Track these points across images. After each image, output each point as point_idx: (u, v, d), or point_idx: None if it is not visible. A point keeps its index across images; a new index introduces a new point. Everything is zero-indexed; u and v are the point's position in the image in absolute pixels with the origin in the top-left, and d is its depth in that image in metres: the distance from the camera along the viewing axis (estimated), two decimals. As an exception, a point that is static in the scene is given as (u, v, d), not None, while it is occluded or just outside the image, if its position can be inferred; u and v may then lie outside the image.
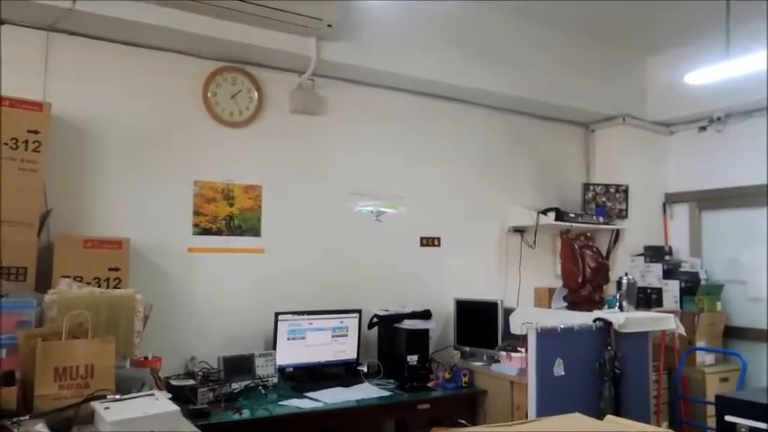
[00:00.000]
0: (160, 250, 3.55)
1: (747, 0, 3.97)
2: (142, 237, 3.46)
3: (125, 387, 2.25)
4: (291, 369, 3.69)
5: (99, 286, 2.97)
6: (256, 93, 3.92)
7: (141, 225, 3.50)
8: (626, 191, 5.14)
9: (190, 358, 3.51)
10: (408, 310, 3.98)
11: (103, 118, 3.47)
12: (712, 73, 4.04)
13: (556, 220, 4.68)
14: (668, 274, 4.88)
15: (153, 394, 2.17)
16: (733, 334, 4.83)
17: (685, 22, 4.50)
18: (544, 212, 4.74)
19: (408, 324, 3.85)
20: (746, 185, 4.83)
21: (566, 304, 3.78)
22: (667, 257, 5.09)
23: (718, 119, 5.01)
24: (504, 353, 3.81)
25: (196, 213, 3.70)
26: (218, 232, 3.76)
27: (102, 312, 2.53)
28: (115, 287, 3.03)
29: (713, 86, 4.34)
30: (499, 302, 4.08)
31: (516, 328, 3.58)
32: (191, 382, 3.21)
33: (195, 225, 3.69)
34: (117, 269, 3.08)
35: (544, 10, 4.27)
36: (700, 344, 4.57)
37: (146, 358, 2.61)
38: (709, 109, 4.96)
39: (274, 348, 3.63)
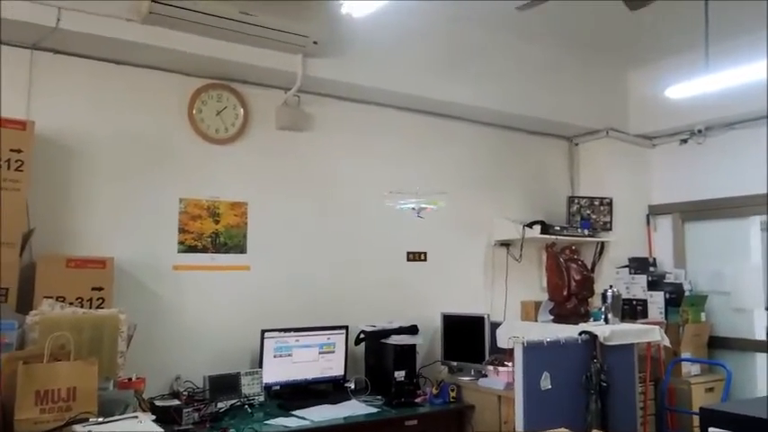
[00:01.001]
0: (145, 269, 3.53)
1: (726, 16, 4.05)
2: (127, 255, 3.44)
3: (108, 409, 2.23)
4: (278, 387, 3.67)
5: (82, 306, 2.94)
6: (242, 109, 3.93)
7: (126, 243, 3.48)
8: (610, 203, 5.19)
9: (175, 378, 3.48)
10: (395, 325, 3.98)
11: (88, 136, 3.46)
12: (692, 87, 4.11)
13: (541, 233, 4.71)
14: (653, 285, 4.92)
15: (136, 416, 2.16)
16: (718, 344, 4.87)
17: (666, 36, 4.57)
18: (530, 226, 4.77)
19: (395, 339, 3.85)
20: (728, 197, 4.90)
21: (552, 317, 3.80)
22: (652, 269, 5.13)
23: (699, 131, 5.09)
24: (491, 367, 3.82)
25: (181, 231, 3.68)
26: (204, 249, 3.74)
27: (86, 333, 2.51)
28: (98, 307, 3.00)
29: (693, 100, 4.40)
30: (486, 316, 4.09)
31: (503, 341, 3.59)
32: (175, 402, 3.18)
33: (180, 242, 3.67)
34: (100, 288, 3.06)
35: (528, 25, 4.31)
36: (685, 355, 4.60)
37: (129, 379, 2.59)
38: (689, 122, 5.04)
39: (260, 366, 3.60)
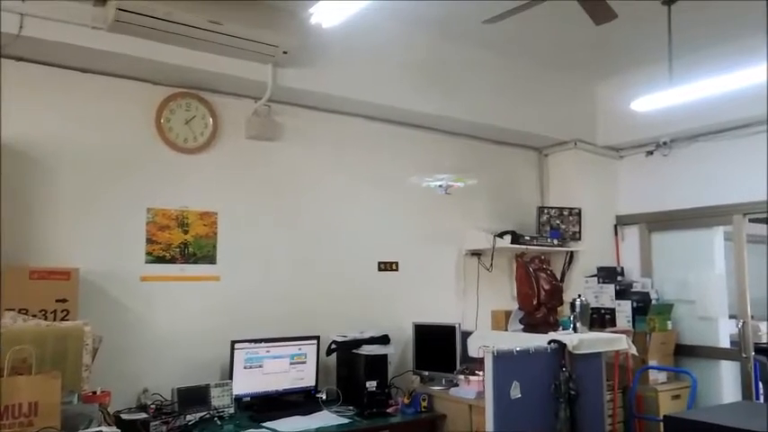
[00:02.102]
0: (111, 280, 3.47)
1: (689, 31, 4.16)
2: (93, 266, 3.37)
3: (72, 424, 2.18)
4: (248, 398, 3.63)
5: (45, 318, 2.88)
6: (211, 119, 3.90)
7: (92, 254, 3.42)
8: (579, 213, 5.27)
9: (142, 390, 3.42)
10: (367, 335, 3.97)
11: (53, 145, 3.40)
12: (656, 100, 4.20)
13: (512, 242, 4.76)
14: (621, 294, 5.00)
15: (101, 431, 2.11)
16: (684, 352, 4.96)
17: (631, 50, 4.67)
18: (500, 235, 4.82)
19: (367, 350, 3.84)
20: (692, 208, 5.01)
21: (522, 326, 3.83)
22: (619, 278, 5.21)
23: (664, 144, 5.21)
24: (462, 376, 3.83)
25: (149, 241, 3.63)
26: (172, 260, 3.69)
27: (49, 346, 2.45)
28: (63, 319, 2.94)
29: (659, 112, 4.50)
30: (457, 326, 4.11)
31: (474, 351, 3.60)
32: (143, 415, 3.12)
33: (148, 253, 3.62)
34: (65, 300, 2.99)
35: (497, 38, 4.37)
36: (652, 362, 4.67)
37: (94, 393, 2.53)
38: (655, 134, 5.15)
39: (231, 378, 3.56)
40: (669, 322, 4.91)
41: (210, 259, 3.82)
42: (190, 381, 3.47)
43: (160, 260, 3.65)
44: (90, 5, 3.25)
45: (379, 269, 4.51)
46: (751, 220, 5.16)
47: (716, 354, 4.89)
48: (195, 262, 3.77)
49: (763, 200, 4.63)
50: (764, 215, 5.87)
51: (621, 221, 5.54)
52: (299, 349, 3.84)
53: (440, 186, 4.13)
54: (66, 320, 2.92)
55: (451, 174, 4.24)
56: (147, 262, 3.61)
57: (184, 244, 3.74)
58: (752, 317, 4.85)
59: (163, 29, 3.33)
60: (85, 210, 3.46)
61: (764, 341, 5.44)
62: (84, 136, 3.50)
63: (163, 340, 3.59)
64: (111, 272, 3.47)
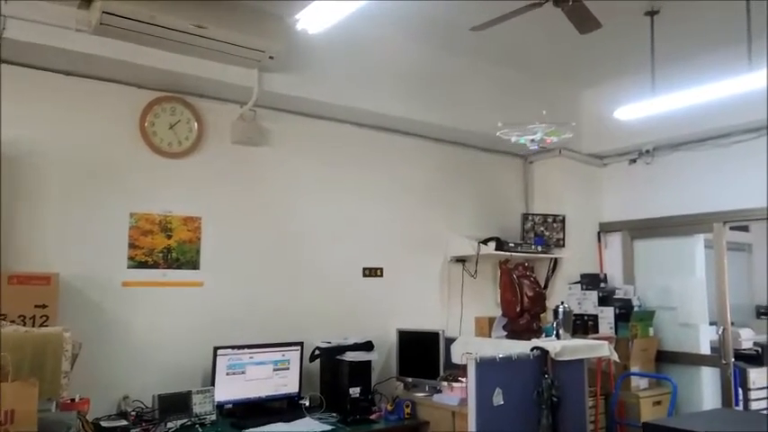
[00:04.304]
0: (92, 285, 3.43)
1: (671, 41, 4.22)
2: (73, 271, 3.34)
3: (49, 432, 2.15)
4: (231, 405, 3.60)
5: (24, 324, 2.84)
6: (196, 123, 3.88)
7: (73, 259, 3.38)
8: (563, 221, 5.31)
9: (122, 397, 3.38)
10: (351, 341, 3.97)
11: (35, 148, 3.36)
12: (639, 109, 4.25)
13: (496, 249, 4.78)
14: (603, 301, 5.04)
15: (79, 439, 2.08)
16: (665, 358, 5.01)
17: (615, 59, 4.72)
18: (485, 242, 4.84)
19: (350, 356, 3.83)
20: (674, 215, 5.07)
21: (505, 333, 3.85)
22: (602, 285, 5.25)
23: (647, 152, 5.26)
24: (445, 383, 3.84)
25: (132, 246, 3.60)
26: (155, 265, 3.66)
27: (27, 352, 2.42)
28: (42, 325, 2.90)
29: (641, 121, 4.55)
30: (441, 332, 4.11)
31: (457, 357, 3.62)
32: (123, 422, 3.09)
33: (130, 258, 3.59)
34: (44, 306, 2.96)
35: (483, 45, 4.40)
36: (634, 369, 4.71)
37: (72, 400, 2.50)
38: (638, 142, 5.20)
39: (213, 384, 3.54)
40: (651, 329, 4.95)
41: (194, 265, 3.80)
42: (171, 387, 3.43)
43: (142, 265, 3.62)
44: (74, 8, 3.22)
45: (364, 275, 4.50)
46: (731, 228, 5.24)
47: (696, 360, 4.94)
48: (178, 267, 3.74)
49: (742, 208, 4.69)
50: (744, 223, 5.97)
51: (605, 229, 5.59)
52: (283, 355, 3.82)
53: (532, 140, 3.74)
54: (46, 326, 2.88)
55: (546, 125, 3.70)
56: (129, 267, 3.57)
57: (167, 249, 3.72)
58: (732, 323, 4.91)
59: (148, 32, 3.31)
60: (67, 214, 3.42)
61: (744, 347, 5.49)
62: (67, 139, 3.47)
63: (144, 346, 3.55)
64: (93, 277, 3.43)
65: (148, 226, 3.67)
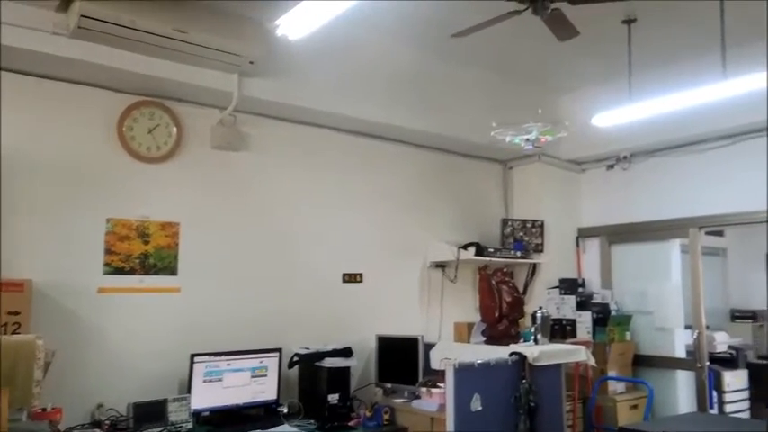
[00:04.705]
0: (67, 292, 3.38)
1: (647, 49, 4.28)
2: (47, 278, 3.29)
3: (20, 442, 2.11)
4: (207, 413, 3.57)
5: (-4, 332, 2.79)
6: (175, 128, 3.85)
7: (47, 265, 3.33)
8: (542, 226, 5.35)
9: (96, 406, 3.33)
10: (330, 347, 3.95)
11: (9, 152, 3.30)
12: (616, 115, 4.31)
13: (476, 254, 4.80)
14: (581, 305, 5.08)
15: (50, 449, 2.05)
16: (642, 362, 5.06)
17: (593, 66, 4.78)
18: (465, 247, 4.86)
19: (329, 362, 3.82)
20: (651, 221, 5.13)
21: (484, 339, 3.87)
22: (581, 290, 5.30)
23: (624, 158, 5.33)
24: (424, 389, 3.84)
25: (108, 252, 3.56)
26: (132, 271, 3.62)
27: (-2, 361, 2.37)
28: (14, 332, 2.85)
29: (619, 127, 4.61)
30: (420, 338, 4.12)
31: (436, 363, 3.63)
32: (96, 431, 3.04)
33: (107, 264, 3.54)
34: (17, 313, 2.91)
35: (464, 51, 4.43)
36: (611, 373, 4.76)
37: (44, 410, 2.46)
38: (616, 148, 5.26)
39: (189, 392, 3.50)
40: (628, 333, 5.01)
41: (171, 270, 3.76)
42: (147, 395, 3.40)
43: (119, 271, 3.58)
44: (52, 11, 3.18)
45: (344, 281, 4.50)
46: (707, 233, 5.32)
47: (672, 364, 5.00)
48: (155, 273, 3.70)
49: (717, 213, 4.77)
50: (719, 228, 6.07)
51: (583, 234, 5.64)
52: (261, 362, 3.80)
53: (527, 140, 3.75)
54: (18, 333, 2.84)
55: (538, 126, 3.75)
56: (105, 273, 3.53)
57: (145, 255, 3.68)
58: (707, 327, 4.98)
59: (127, 36, 3.28)
60: (41, 219, 3.37)
61: (719, 351, 5.58)
62: (43, 144, 3.42)
63: (119, 354, 3.51)
64: (67, 283, 3.39)
65: (125, 231, 3.63)
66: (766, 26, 3.72)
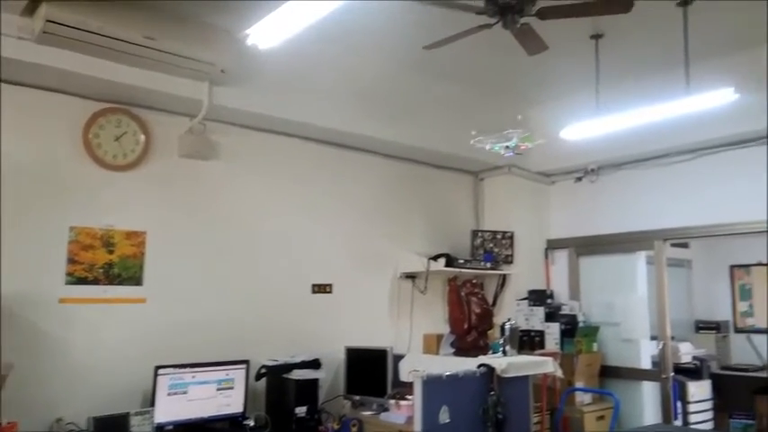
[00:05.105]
0: (27, 302, 3.29)
1: (614, 64, 4.36)
2: (7, 287, 3.20)
3: (-29, 460, 2.03)
4: (171, 427, 3.50)
5: (-50, 344, 2.70)
6: (143, 135, 3.79)
7: (5, 274, 3.23)
8: (512, 237, 5.39)
9: (56, 420, 3.24)
10: (298, 359, 3.92)
11: (-33, 158, 3.22)
12: (584, 129, 4.37)
13: (446, 266, 4.81)
14: (550, 317, 5.13)
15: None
16: (608, 373, 5.12)
17: (561, 80, 4.85)
18: (435, 258, 4.86)
19: (297, 374, 3.78)
20: (617, 233, 5.21)
21: (453, 350, 3.87)
22: (549, 301, 5.34)
23: (592, 170, 5.41)
24: (393, 401, 3.82)
25: (70, 261, 3.48)
26: (95, 281, 3.54)
27: (-49, 375, 2.30)
28: (-30, 345, 2.76)
29: (587, 140, 4.67)
30: (389, 350, 4.10)
31: (405, 375, 3.62)
32: (55, 446, 2.96)
33: (69, 274, 3.46)
34: (-27, 325, 2.82)
35: (435, 63, 4.44)
36: (578, 384, 4.80)
37: (-1, 425, 2.38)
38: (583, 161, 5.34)
39: (152, 405, 3.43)
40: (595, 344, 5.06)
41: (136, 281, 3.69)
42: (109, 409, 3.31)
43: (82, 281, 3.50)
44: (17, 15, 3.12)
45: (313, 291, 4.46)
46: (672, 245, 5.42)
47: (638, 375, 5.06)
48: (120, 283, 3.63)
49: (682, 226, 4.87)
50: (684, 240, 6.19)
51: (552, 245, 5.70)
52: (227, 374, 3.74)
53: (506, 147, 3.73)
54: (-26, 346, 2.75)
55: (521, 130, 3.74)
56: (67, 283, 3.45)
57: (109, 264, 3.61)
58: (672, 338, 5.07)
59: (94, 42, 3.23)
60: (2, 227, 3.27)
61: (684, 361, 5.68)
62: (5, 150, 3.33)
63: (81, 366, 3.42)
64: (27, 293, 3.29)
65: (89, 240, 3.55)
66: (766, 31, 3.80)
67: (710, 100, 3.74)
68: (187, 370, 3.59)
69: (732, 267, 6.95)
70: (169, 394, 3.50)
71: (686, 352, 5.71)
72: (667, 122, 4.12)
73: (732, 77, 3.83)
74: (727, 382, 6.20)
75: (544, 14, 3.11)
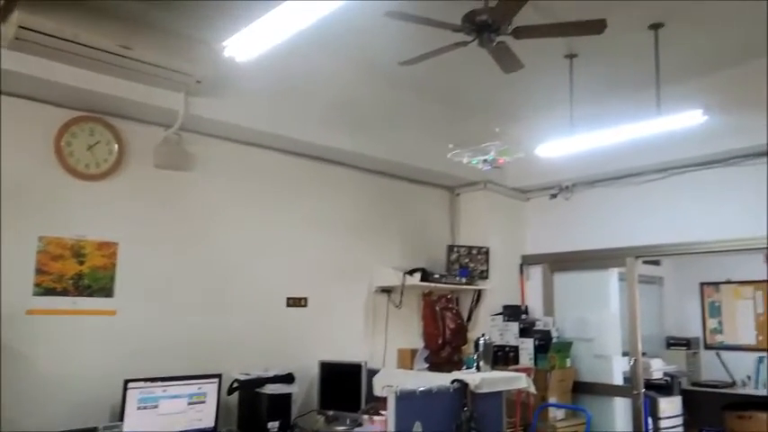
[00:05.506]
0: (-8, 313, 3.21)
1: (588, 83, 4.44)
2: (-29, 298, 3.12)
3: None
4: (140, 442, 3.43)
5: None
6: (116, 145, 3.75)
7: (-29, 285, 3.16)
8: (487, 252, 5.42)
9: (21, 435, 3.16)
10: (271, 373, 3.87)
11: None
12: (558, 146, 4.43)
13: (421, 280, 4.82)
14: (524, 332, 5.16)
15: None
16: (581, 389, 5.16)
17: (536, 97, 4.91)
18: (410, 273, 4.87)
19: (270, 389, 3.74)
20: (590, 249, 5.28)
21: (427, 365, 3.86)
22: (524, 316, 5.38)
23: (566, 188, 5.48)
24: (366, 416, 3.80)
25: (39, 272, 3.40)
26: (64, 292, 3.47)
27: None
28: (-69, 357, 2.68)
29: (562, 158, 4.74)
30: (363, 364, 4.08)
31: (379, 390, 3.59)
32: (18, 462, 2.88)
33: (37, 285, 3.39)
34: (-65, 336, 2.74)
35: (412, 79, 4.48)
36: (552, 400, 4.82)
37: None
38: (558, 178, 5.42)
39: (121, 419, 3.35)
40: (568, 360, 5.10)
41: (107, 292, 3.63)
42: (76, 423, 3.24)
43: (50, 292, 3.43)
44: (-12, 21, 3.07)
45: (288, 305, 4.43)
46: (644, 262, 5.50)
47: (610, 390, 5.11)
48: (90, 295, 3.56)
49: (654, 243, 4.95)
50: (656, 258, 6.29)
51: (527, 261, 5.75)
52: (199, 388, 3.68)
53: (485, 161, 3.72)
54: (-64, 358, 2.67)
55: (500, 143, 3.71)
56: (35, 294, 3.37)
57: (79, 275, 3.54)
58: (644, 354, 5.13)
59: (69, 50, 3.19)
60: (-32, 236, 3.21)
61: (655, 377, 5.75)
62: (-29, 157, 3.27)
63: (48, 379, 3.34)
64: (-7, 305, 3.22)
65: (59, 250, 3.49)
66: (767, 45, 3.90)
67: (680, 121, 3.84)
68: (158, 384, 3.52)
69: (702, 285, 7.08)
70: (139, 408, 3.43)
71: (657, 368, 5.78)
72: (639, 142, 4.20)
73: (701, 100, 3.93)
74: (698, 398, 6.30)
75: (520, 34, 3.16)
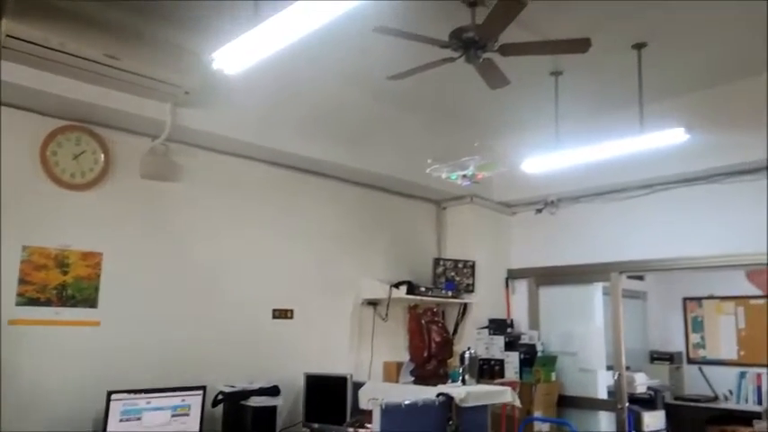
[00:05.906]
0: (-27, 323, 3.17)
1: (573, 101, 4.51)
2: (-48, 308, 3.08)
3: None
4: (122, 455, 3.39)
5: None
6: (103, 155, 3.73)
7: (-48, 295, 3.12)
8: (473, 266, 5.44)
9: (-1, 448, 3.11)
10: (256, 386, 3.85)
11: None
12: (544, 162, 4.48)
13: (407, 293, 4.82)
14: (510, 346, 5.17)
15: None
16: (566, 403, 5.18)
17: (522, 113, 4.97)
18: (396, 286, 4.87)
19: (255, 401, 3.72)
20: (575, 264, 5.32)
21: (413, 378, 3.86)
22: (509, 330, 5.40)
23: (552, 202, 5.53)
24: (352, 429, 3.78)
25: (22, 282, 3.37)
26: (47, 303, 3.44)
27: None
28: None
29: (547, 173, 4.79)
30: (348, 377, 4.07)
31: (365, 403, 3.59)
32: (-3, 475, 2.83)
33: (20, 294, 3.35)
34: None
35: (401, 93, 4.51)
36: (537, 413, 4.83)
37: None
38: (544, 193, 5.46)
39: (104, 431, 3.31)
40: (553, 374, 5.12)
41: (91, 303, 3.60)
42: (56, 436, 3.20)
43: (33, 302, 3.39)
44: (-26, 29, 3.06)
45: (274, 317, 4.41)
46: (628, 277, 5.55)
47: (594, 404, 5.13)
48: (74, 305, 3.53)
49: (638, 259, 5.00)
50: (640, 273, 6.36)
51: (512, 275, 5.78)
52: (183, 400, 3.65)
53: (464, 176, 3.65)
54: None
55: (479, 158, 3.61)
56: (17, 304, 3.34)
57: (62, 285, 3.51)
58: (627, 368, 5.16)
59: (55, 59, 3.18)
60: (-50, 245, 3.17)
61: (639, 391, 5.78)
62: (-45, 166, 3.24)
63: (30, 390, 3.30)
64: (-26, 314, 3.18)
65: (43, 260, 3.46)
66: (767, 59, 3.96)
67: (663, 139, 3.90)
68: (141, 395, 3.49)
69: (685, 300, 7.15)
70: (122, 420, 3.39)
71: (641, 382, 5.81)
72: (623, 158, 4.26)
73: (683, 118, 4.00)
74: (681, 413, 6.34)
75: (506, 51, 3.21)
